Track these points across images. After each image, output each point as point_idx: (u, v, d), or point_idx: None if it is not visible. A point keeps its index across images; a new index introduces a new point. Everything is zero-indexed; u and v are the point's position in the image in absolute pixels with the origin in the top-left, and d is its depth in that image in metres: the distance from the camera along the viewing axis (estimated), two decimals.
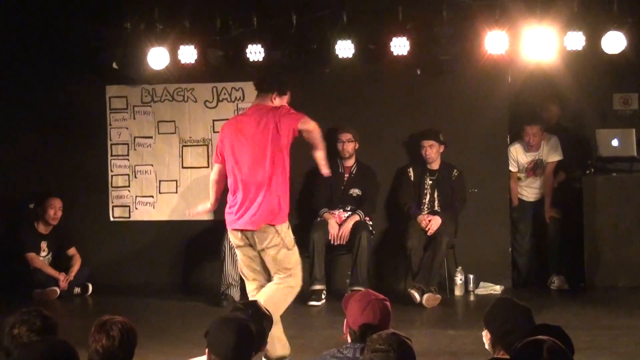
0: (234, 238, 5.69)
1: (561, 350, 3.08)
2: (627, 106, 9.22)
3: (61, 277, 8.48)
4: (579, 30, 7.61)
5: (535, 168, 8.55)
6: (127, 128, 9.03)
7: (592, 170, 8.43)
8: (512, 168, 8.57)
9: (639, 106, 9.18)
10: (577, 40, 7.62)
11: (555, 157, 8.50)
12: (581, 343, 5.75)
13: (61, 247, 8.73)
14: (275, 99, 5.67)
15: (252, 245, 5.61)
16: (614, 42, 7.60)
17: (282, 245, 5.55)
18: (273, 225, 5.54)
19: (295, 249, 5.67)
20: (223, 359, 3.48)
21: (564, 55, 7.81)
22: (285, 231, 5.60)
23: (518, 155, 8.53)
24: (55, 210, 8.60)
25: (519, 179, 8.61)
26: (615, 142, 8.29)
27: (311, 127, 5.54)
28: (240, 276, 8.02)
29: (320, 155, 5.61)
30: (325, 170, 5.66)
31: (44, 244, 8.65)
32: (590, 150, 8.68)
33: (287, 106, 5.67)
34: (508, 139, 8.58)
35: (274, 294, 5.50)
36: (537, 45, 7.62)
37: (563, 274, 8.34)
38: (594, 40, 7.64)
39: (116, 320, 3.61)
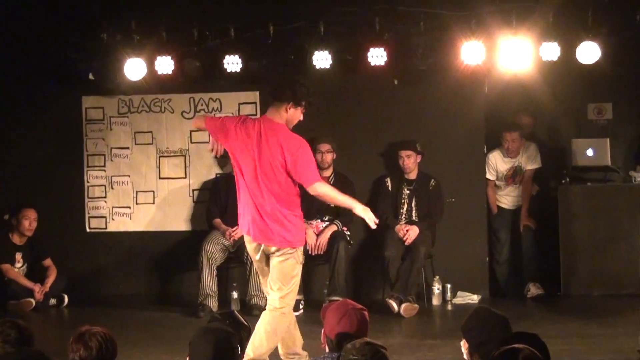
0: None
1: (537, 358, 3.09)
2: (601, 116, 9.29)
3: (36, 288, 8.41)
4: (554, 41, 7.69)
5: (515, 176, 8.60)
6: (103, 139, 8.99)
7: (568, 179, 8.48)
8: (490, 176, 8.60)
9: (613, 116, 9.26)
10: (552, 51, 7.71)
11: (534, 165, 8.56)
12: (557, 351, 5.77)
13: (36, 258, 8.66)
14: (289, 109, 5.59)
15: None
16: (589, 52, 7.69)
17: None
18: None
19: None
20: None
21: (539, 66, 7.88)
22: None
23: (497, 163, 8.57)
24: (30, 221, 8.54)
25: (497, 187, 8.65)
26: (590, 152, 8.36)
27: (321, 193, 5.53)
28: (218, 286, 8.07)
29: (359, 212, 5.62)
30: (373, 224, 5.74)
31: (18, 255, 8.58)
32: (566, 159, 8.74)
33: (306, 147, 5.56)
34: (485, 149, 8.62)
35: None
36: (513, 56, 7.70)
37: (538, 281, 8.39)
38: (568, 51, 7.73)
39: (95, 330, 3.59)
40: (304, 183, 5.49)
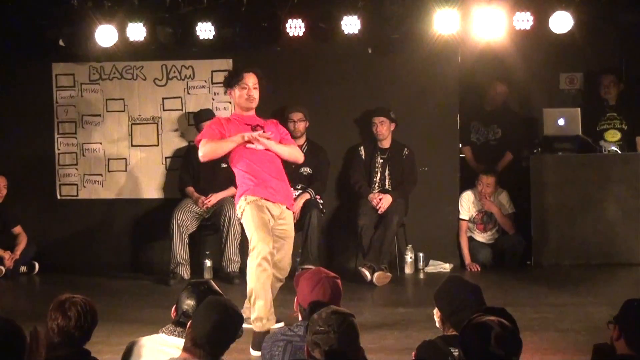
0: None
1: (510, 334, 3.03)
2: (572, 86, 9.32)
3: (6, 255, 8.36)
4: (527, 10, 7.69)
5: (485, 222, 8.44)
6: (74, 106, 8.89)
7: (539, 149, 8.51)
8: (463, 215, 8.42)
9: (584, 86, 9.30)
10: (525, 20, 7.71)
11: (508, 212, 8.40)
12: (528, 320, 5.87)
13: (6, 226, 8.59)
14: (231, 95, 6.18)
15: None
16: (561, 22, 7.71)
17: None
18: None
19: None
20: (202, 343, 3.41)
21: (512, 35, 7.90)
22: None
23: (470, 203, 8.41)
24: None
25: (470, 230, 8.45)
26: (561, 122, 8.38)
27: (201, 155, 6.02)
28: (190, 254, 8.07)
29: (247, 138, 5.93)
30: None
31: None
32: (537, 129, 8.77)
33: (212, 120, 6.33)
34: (458, 118, 8.63)
35: None
36: (487, 25, 7.69)
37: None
38: (541, 20, 7.73)
39: (75, 299, 3.56)
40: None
